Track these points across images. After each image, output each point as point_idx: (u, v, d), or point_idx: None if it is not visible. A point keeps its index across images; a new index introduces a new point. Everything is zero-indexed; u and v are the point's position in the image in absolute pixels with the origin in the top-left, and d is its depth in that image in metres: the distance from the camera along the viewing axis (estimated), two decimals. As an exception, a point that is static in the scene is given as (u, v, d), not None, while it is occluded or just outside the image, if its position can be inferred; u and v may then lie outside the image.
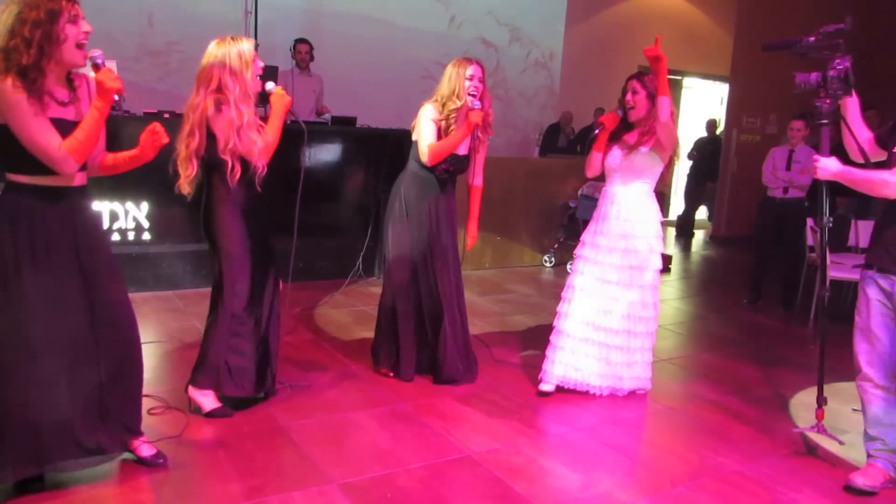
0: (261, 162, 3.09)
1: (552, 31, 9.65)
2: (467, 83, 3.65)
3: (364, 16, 8.13)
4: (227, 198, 3.16)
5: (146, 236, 5.37)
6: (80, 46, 2.40)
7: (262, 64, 3.16)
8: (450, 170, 3.78)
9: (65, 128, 2.41)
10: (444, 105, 3.70)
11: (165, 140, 2.65)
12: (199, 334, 4.37)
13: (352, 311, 5.28)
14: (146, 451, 2.81)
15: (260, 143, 3.08)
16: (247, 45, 3.10)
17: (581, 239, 3.88)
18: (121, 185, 4.92)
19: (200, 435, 3.11)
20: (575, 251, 3.90)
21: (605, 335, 3.74)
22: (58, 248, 2.47)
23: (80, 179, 2.54)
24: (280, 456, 2.98)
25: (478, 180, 3.98)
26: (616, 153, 3.74)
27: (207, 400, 3.29)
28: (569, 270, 3.97)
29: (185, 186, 3.10)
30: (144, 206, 5.32)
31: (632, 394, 3.90)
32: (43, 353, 2.46)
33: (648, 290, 3.77)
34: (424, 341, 3.89)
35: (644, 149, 3.65)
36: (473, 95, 3.66)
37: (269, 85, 3.20)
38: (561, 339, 3.79)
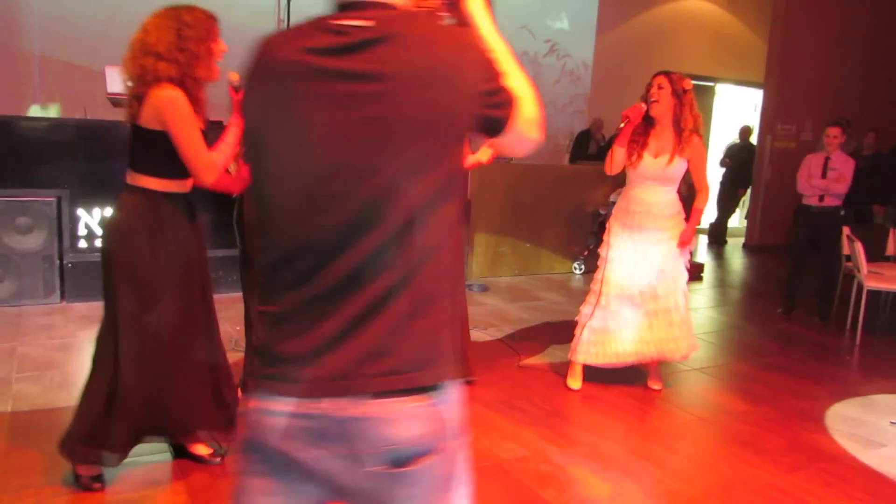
0: None
1: (584, 40, 9.63)
2: None
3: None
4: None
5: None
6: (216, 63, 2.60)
7: None
8: None
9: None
10: None
11: None
12: (231, 339, 4.42)
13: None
14: (203, 449, 2.90)
15: None
16: None
17: (609, 242, 3.94)
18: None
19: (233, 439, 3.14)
20: (604, 251, 3.96)
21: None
22: (182, 248, 2.64)
23: (189, 187, 2.69)
24: (309, 460, 3.00)
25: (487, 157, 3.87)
26: (649, 161, 3.77)
27: None
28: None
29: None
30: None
31: (662, 401, 3.88)
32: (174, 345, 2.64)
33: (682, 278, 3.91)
34: None
35: (679, 159, 3.74)
36: None
37: None
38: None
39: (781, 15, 9.78)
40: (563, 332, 5.16)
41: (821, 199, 5.87)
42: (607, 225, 4.00)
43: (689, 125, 3.73)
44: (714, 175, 11.40)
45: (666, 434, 3.55)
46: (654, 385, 4.05)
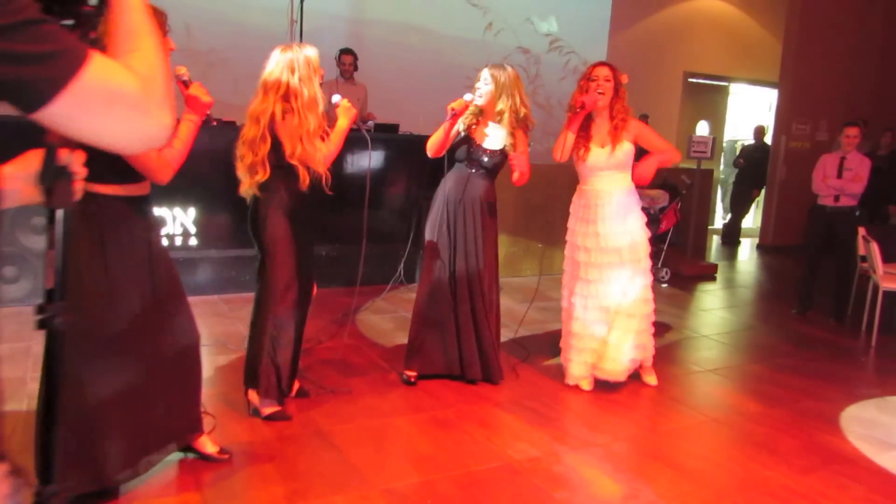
0: (321, 169, 3.14)
1: (596, 39, 9.59)
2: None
3: (407, 24, 8.19)
4: (279, 203, 3.21)
5: (193, 241, 5.48)
6: None
7: (323, 72, 3.23)
8: (473, 162, 3.84)
9: None
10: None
11: (209, 98, 2.66)
12: (243, 338, 4.44)
13: (393, 316, 5.31)
14: (210, 447, 2.89)
15: (323, 152, 3.15)
16: (313, 52, 3.16)
17: (576, 244, 3.99)
18: (169, 191, 5.02)
19: (243, 438, 3.15)
20: (574, 256, 4.01)
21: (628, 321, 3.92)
22: (135, 254, 2.54)
23: (148, 188, 2.63)
24: (322, 460, 3.01)
25: (515, 176, 3.83)
26: (598, 152, 3.85)
27: (267, 403, 3.34)
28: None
29: (254, 190, 3.15)
30: (192, 211, 5.43)
31: (674, 402, 3.86)
32: (124, 362, 2.52)
33: (646, 278, 3.97)
34: (446, 341, 3.92)
35: (623, 143, 3.84)
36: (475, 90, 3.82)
37: (335, 97, 3.28)
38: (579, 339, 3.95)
39: (796, 14, 9.71)
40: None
41: (836, 199, 5.83)
42: (569, 227, 4.08)
43: (621, 114, 3.84)
44: (728, 176, 11.36)
45: (679, 435, 3.53)
46: (650, 380, 4.08)
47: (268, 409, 3.33)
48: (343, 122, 3.25)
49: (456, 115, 3.73)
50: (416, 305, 3.94)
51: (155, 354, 2.63)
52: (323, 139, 3.18)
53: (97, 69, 0.87)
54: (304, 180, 3.14)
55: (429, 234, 3.92)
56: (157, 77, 0.94)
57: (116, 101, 0.89)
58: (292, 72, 3.08)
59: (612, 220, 3.86)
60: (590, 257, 3.89)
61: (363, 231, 3.50)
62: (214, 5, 6.94)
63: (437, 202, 3.94)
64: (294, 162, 3.10)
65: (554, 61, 9.36)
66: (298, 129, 3.07)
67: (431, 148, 3.82)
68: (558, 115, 9.49)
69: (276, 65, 3.12)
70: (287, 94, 3.08)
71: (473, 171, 3.86)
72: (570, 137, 3.87)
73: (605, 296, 3.87)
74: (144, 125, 0.93)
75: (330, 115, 3.33)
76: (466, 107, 3.76)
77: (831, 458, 3.30)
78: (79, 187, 1.13)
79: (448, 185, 3.91)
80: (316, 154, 3.11)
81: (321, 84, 3.22)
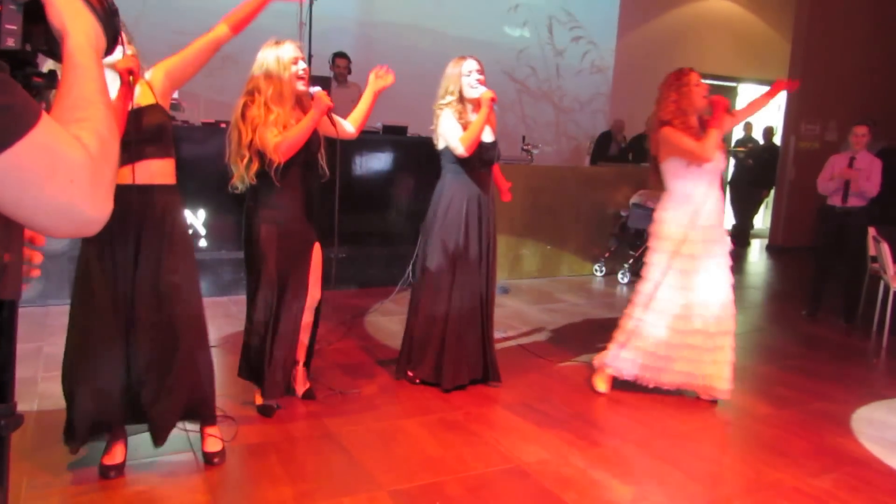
0: (275, 157, 3.15)
1: (603, 39, 9.59)
2: (465, 79, 3.83)
3: (416, 26, 8.21)
4: (256, 202, 3.31)
5: (203, 243, 5.50)
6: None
7: (304, 66, 3.30)
8: (483, 159, 3.83)
9: None
10: (450, 104, 3.86)
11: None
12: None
13: (401, 318, 5.27)
14: (211, 446, 2.93)
15: (278, 140, 3.15)
16: (286, 49, 3.26)
17: (679, 251, 3.74)
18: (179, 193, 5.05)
19: (253, 439, 3.16)
20: (673, 263, 3.76)
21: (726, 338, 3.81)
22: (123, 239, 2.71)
23: (159, 178, 2.83)
24: (330, 461, 3.02)
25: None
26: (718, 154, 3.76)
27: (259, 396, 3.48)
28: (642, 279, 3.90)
29: (246, 177, 3.23)
30: (201, 213, 5.46)
31: (685, 405, 3.85)
32: (103, 335, 2.69)
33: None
34: (473, 347, 3.90)
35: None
36: (476, 86, 3.80)
37: (314, 88, 3.29)
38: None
39: (805, 13, 9.67)
40: (585, 334, 5.14)
41: (844, 199, 5.78)
42: (668, 218, 3.78)
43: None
44: (731, 174, 11.31)
45: (689, 437, 3.51)
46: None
47: (259, 401, 3.45)
48: (312, 113, 3.24)
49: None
50: (436, 312, 3.82)
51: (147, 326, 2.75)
52: (284, 129, 3.20)
53: (47, 131, 0.78)
54: (252, 169, 3.18)
55: (439, 244, 3.80)
56: (108, 156, 0.84)
57: (58, 173, 0.79)
58: (260, 67, 3.26)
59: (719, 244, 3.77)
60: (704, 252, 3.72)
61: (335, 231, 3.45)
62: (223, 7, 6.95)
63: (452, 210, 3.79)
64: (244, 151, 3.16)
65: (570, 57, 9.34)
66: (255, 120, 3.17)
67: (473, 143, 3.69)
68: (570, 115, 9.50)
69: (256, 62, 3.31)
70: (253, 89, 3.23)
71: (482, 168, 3.83)
72: (717, 135, 3.72)
73: (713, 295, 3.74)
74: (81, 205, 0.82)
75: (306, 107, 3.34)
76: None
77: (842, 460, 3.28)
78: (35, 274, 1.03)
79: (462, 190, 3.81)
80: (269, 142, 3.14)
81: (309, 81, 3.31)
